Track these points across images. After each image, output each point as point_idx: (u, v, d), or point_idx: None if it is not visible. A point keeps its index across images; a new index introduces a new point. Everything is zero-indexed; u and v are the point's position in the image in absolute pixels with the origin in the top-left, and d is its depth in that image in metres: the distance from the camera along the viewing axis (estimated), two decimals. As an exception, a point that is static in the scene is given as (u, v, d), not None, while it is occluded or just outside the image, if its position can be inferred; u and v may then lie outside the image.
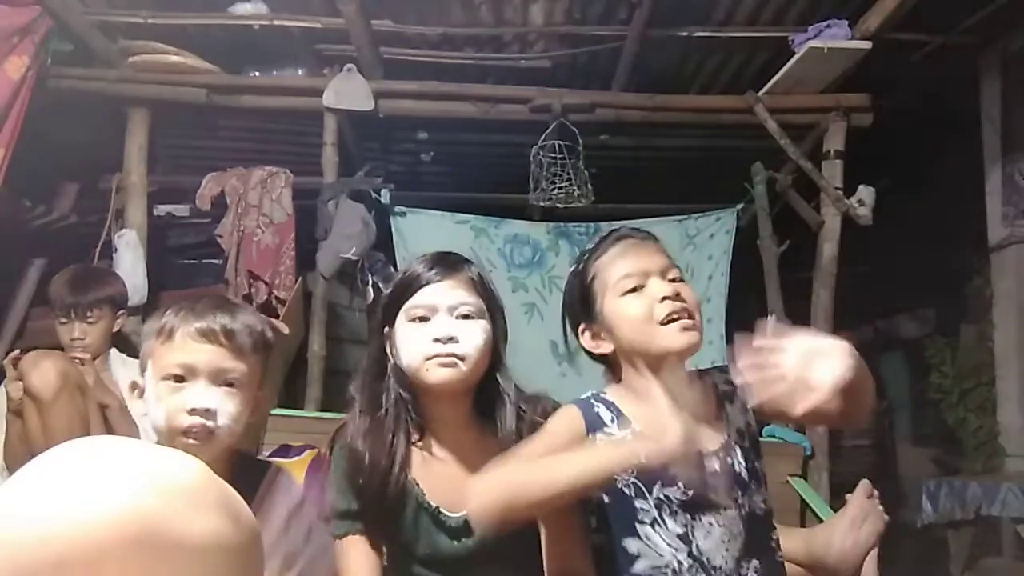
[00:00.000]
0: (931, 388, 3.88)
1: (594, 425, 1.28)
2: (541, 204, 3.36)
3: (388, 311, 1.36)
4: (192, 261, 4.08)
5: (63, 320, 2.33)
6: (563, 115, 3.28)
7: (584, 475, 1.12)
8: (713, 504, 1.25)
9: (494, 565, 1.34)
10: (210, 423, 1.19)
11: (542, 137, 3.28)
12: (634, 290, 1.28)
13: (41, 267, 3.37)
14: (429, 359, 1.29)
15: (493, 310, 1.37)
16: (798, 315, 3.37)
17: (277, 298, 3.22)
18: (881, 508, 1.62)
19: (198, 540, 0.46)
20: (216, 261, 3.54)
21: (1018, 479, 3.12)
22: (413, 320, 1.32)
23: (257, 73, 3.36)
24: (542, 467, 1.16)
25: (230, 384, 1.21)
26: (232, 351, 1.22)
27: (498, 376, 1.37)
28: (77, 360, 2.20)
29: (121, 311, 2.46)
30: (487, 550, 1.31)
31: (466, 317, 1.32)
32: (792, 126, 3.33)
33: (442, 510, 1.32)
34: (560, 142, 3.27)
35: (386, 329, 1.36)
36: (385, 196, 3.42)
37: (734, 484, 1.27)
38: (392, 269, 3.47)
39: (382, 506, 1.31)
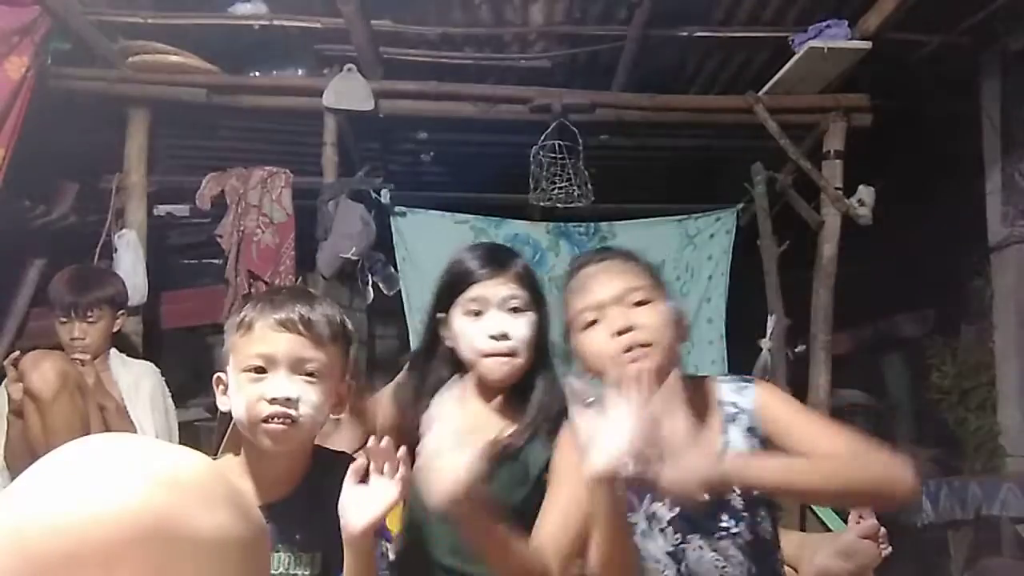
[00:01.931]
0: (931, 388, 3.88)
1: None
2: (541, 204, 3.36)
3: (441, 298, 1.46)
4: (192, 261, 4.08)
5: (63, 320, 2.33)
6: (563, 115, 3.28)
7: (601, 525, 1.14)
8: (704, 528, 1.25)
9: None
10: (292, 412, 1.19)
11: (542, 137, 3.28)
12: (593, 323, 1.28)
13: (41, 267, 3.37)
14: (486, 356, 1.39)
15: (539, 302, 1.45)
16: (798, 315, 3.38)
17: (277, 298, 3.22)
18: (883, 546, 1.62)
19: (208, 535, 0.47)
20: (216, 261, 3.54)
21: (1018, 479, 3.12)
22: (468, 314, 1.41)
23: (257, 73, 3.36)
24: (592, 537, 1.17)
25: (310, 374, 1.22)
26: (311, 340, 1.22)
27: (537, 364, 1.44)
28: (77, 360, 2.20)
29: (121, 311, 2.46)
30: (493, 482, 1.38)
31: (516, 311, 1.41)
32: (792, 126, 3.33)
33: None
34: (560, 142, 3.27)
35: (439, 315, 1.46)
36: (385, 196, 3.42)
37: (726, 511, 1.25)
38: (392, 269, 3.47)
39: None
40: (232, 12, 3.09)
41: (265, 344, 1.20)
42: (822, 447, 1.19)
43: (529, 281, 1.45)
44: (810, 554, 1.61)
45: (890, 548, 1.65)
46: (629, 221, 3.70)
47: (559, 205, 3.33)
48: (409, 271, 3.52)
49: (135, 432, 2.19)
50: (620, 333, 1.24)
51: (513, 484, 1.37)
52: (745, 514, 1.25)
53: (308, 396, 1.20)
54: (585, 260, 1.36)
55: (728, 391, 1.32)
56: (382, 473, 1.17)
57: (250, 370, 1.20)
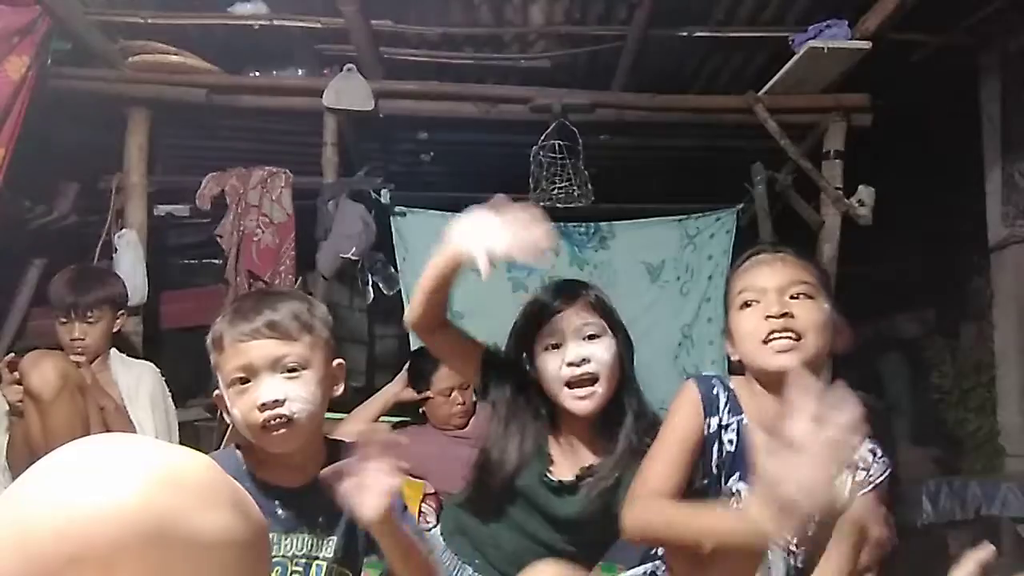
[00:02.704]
0: (931, 388, 3.88)
1: (710, 405, 1.34)
2: (541, 204, 3.36)
3: (520, 339, 1.54)
4: (192, 261, 4.08)
5: (63, 320, 2.33)
6: (563, 115, 3.28)
7: (720, 539, 1.15)
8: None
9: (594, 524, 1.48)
10: (284, 411, 1.22)
11: (542, 137, 3.28)
12: (748, 305, 1.32)
13: (41, 267, 3.37)
14: (567, 386, 1.44)
15: (615, 327, 1.50)
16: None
17: (277, 298, 3.22)
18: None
19: (209, 536, 0.47)
20: (216, 261, 3.55)
21: (1018, 479, 3.12)
22: (547, 349, 1.47)
23: (257, 73, 3.35)
24: (689, 516, 1.21)
25: (291, 369, 1.24)
26: (281, 338, 1.25)
27: (623, 391, 1.50)
28: (77, 360, 2.20)
29: (121, 311, 2.46)
30: (575, 504, 1.47)
31: (592, 337, 1.46)
32: (792, 126, 3.33)
33: (558, 478, 1.48)
34: (560, 142, 3.27)
35: (524, 355, 1.54)
36: (385, 196, 3.42)
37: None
38: (392, 269, 3.47)
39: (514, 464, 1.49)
40: (232, 12, 3.09)
41: (239, 356, 1.24)
42: None
43: (602, 308, 1.50)
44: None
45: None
46: (629, 221, 3.70)
47: (559, 205, 3.33)
48: (409, 271, 3.52)
49: (135, 432, 2.19)
50: (769, 318, 1.27)
51: (602, 520, 1.43)
52: (810, 540, 1.28)
53: (295, 391, 1.24)
54: (759, 249, 1.40)
55: (867, 444, 1.34)
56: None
57: (235, 383, 1.24)
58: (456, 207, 3.63)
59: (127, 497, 0.45)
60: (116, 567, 0.43)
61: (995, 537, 3.15)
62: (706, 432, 1.33)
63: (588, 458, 1.50)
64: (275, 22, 3.07)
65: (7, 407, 2.08)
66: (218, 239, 3.34)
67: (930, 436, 3.90)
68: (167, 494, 0.46)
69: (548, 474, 1.48)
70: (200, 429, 3.21)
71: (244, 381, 1.23)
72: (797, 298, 1.30)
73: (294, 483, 1.29)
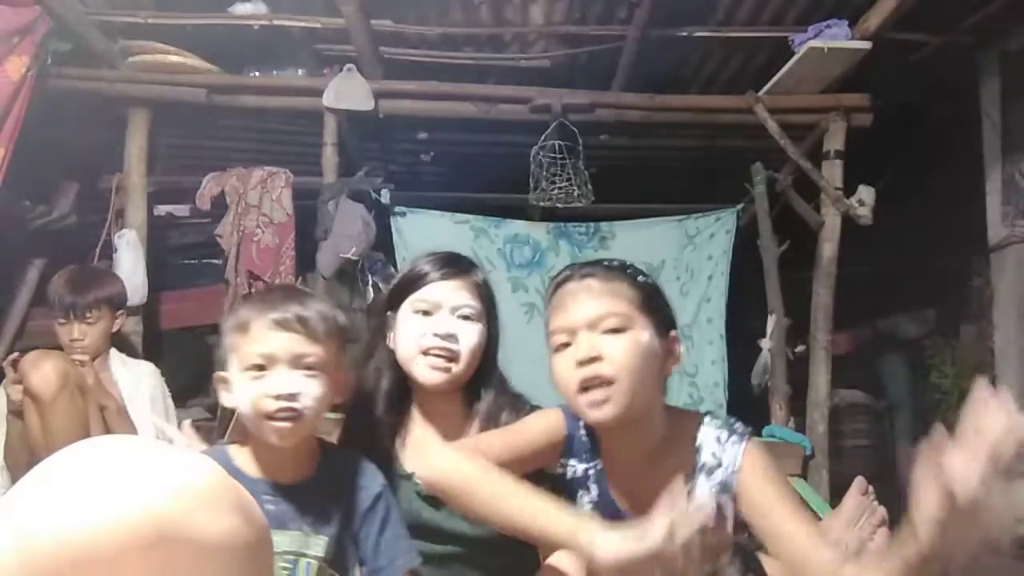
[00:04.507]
0: (931, 388, 3.88)
1: (571, 447, 1.27)
2: (541, 204, 3.36)
3: (393, 298, 1.45)
4: (192, 261, 4.08)
5: (62, 321, 2.33)
6: (563, 115, 3.28)
7: (528, 526, 1.07)
8: None
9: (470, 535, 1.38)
10: (296, 405, 1.24)
11: (542, 137, 3.28)
12: (565, 346, 1.20)
13: (41, 267, 3.37)
14: (424, 352, 1.37)
15: (491, 315, 1.45)
16: (798, 315, 3.37)
17: (277, 298, 3.22)
18: (876, 504, 1.62)
19: (213, 540, 0.47)
20: (216, 261, 3.54)
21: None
22: (417, 312, 1.40)
23: (257, 73, 3.35)
24: (500, 488, 1.11)
25: (309, 368, 1.26)
26: (308, 337, 1.26)
27: (488, 377, 1.45)
28: (77, 361, 2.20)
29: (120, 311, 2.46)
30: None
31: (466, 318, 1.40)
32: (792, 126, 3.33)
33: (419, 482, 1.38)
34: (560, 142, 3.27)
35: (388, 313, 1.45)
36: (385, 196, 3.42)
37: None
38: (392, 269, 3.47)
39: None
40: (232, 12, 3.09)
41: (264, 343, 1.25)
42: (785, 536, 1.13)
43: (485, 293, 1.45)
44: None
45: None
46: (629, 221, 3.70)
47: (559, 205, 3.33)
48: (409, 271, 3.52)
49: (135, 432, 2.19)
50: (580, 365, 1.16)
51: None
52: None
53: (309, 390, 1.25)
54: (564, 277, 1.26)
55: (712, 439, 1.23)
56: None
57: (252, 368, 1.25)
58: (456, 207, 3.67)
59: (130, 502, 0.45)
60: (119, 571, 0.43)
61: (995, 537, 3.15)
62: (568, 474, 1.27)
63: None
64: (275, 22, 3.07)
65: (6, 407, 2.08)
66: (218, 239, 3.34)
67: (930, 436, 3.91)
68: (170, 499, 0.46)
69: (417, 484, 1.38)
70: (200, 429, 3.21)
71: (261, 368, 1.25)
72: (610, 332, 1.17)
73: (285, 479, 1.30)
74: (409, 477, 1.41)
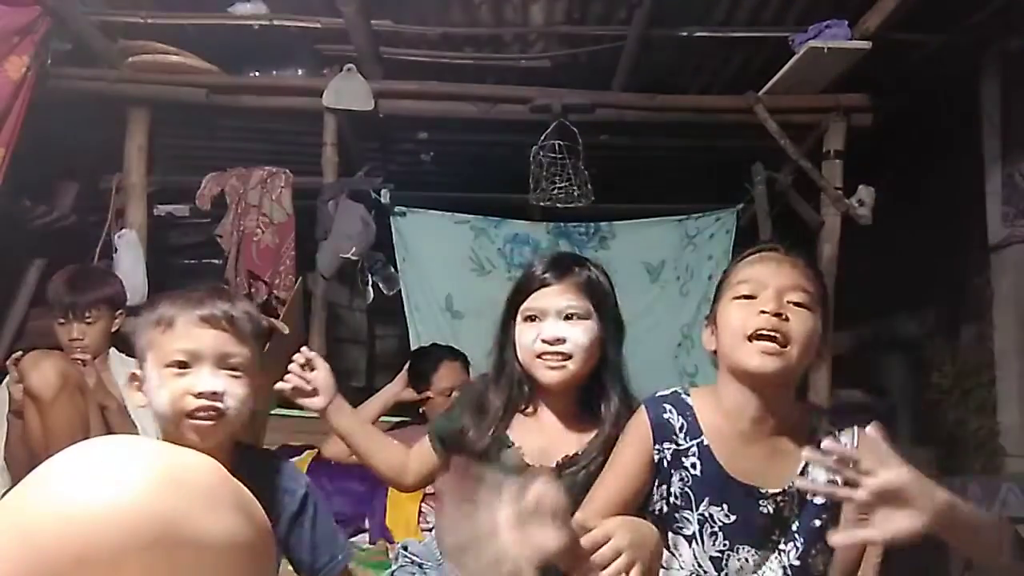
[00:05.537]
0: (931, 388, 3.87)
1: (662, 433, 1.32)
2: (541, 204, 3.36)
3: (509, 308, 1.51)
4: (192, 261, 4.08)
5: (61, 320, 2.33)
6: (563, 115, 3.28)
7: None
8: (756, 540, 1.27)
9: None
10: (219, 404, 1.21)
11: (542, 137, 3.28)
12: (744, 297, 1.27)
13: (41, 267, 3.37)
14: (538, 357, 1.43)
15: (602, 311, 1.47)
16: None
17: (277, 298, 3.22)
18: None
19: (215, 538, 0.47)
20: (216, 261, 3.55)
21: (1018, 479, 3.11)
22: (526, 320, 1.46)
23: (257, 73, 3.36)
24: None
25: (234, 369, 1.23)
26: (235, 336, 1.24)
27: (605, 374, 1.47)
28: (77, 361, 2.20)
29: (120, 311, 2.45)
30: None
31: (574, 318, 1.44)
32: (792, 126, 3.33)
33: (524, 457, 1.44)
34: (560, 142, 3.27)
35: (509, 322, 1.52)
36: (385, 196, 3.43)
37: (777, 530, 1.27)
38: (392, 269, 3.47)
39: (469, 448, 1.46)
40: (232, 12, 3.09)
41: (189, 340, 1.22)
42: None
43: (590, 290, 1.47)
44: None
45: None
46: (629, 221, 3.70)
47: (559, 205, 3.33)
48: (409, 271, 3.52)
49: (137, 432, 2.19)
50: (763, 314, 1.23)
51: (579, 498, 1.38)
52: (798, 537, 1.26)
53: (233, 390, 1.23)
54: (771, 246, 1.35)
55: (826, 423, 1.31)
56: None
57: (173, 365, 1.21)
58: (456, 207, 3.67)
59: (132, 498, 0.45)
60: (121, 568, 0.44)
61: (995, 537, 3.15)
62: (658, 458, 1.31)
63: (561, 440, 1.46)
64: (275, 22, 3.08)
65: (7, 407, 2.08)
66: (218, 239, 3.34)
67: (930, 436, 3.90)
68: (172, 495, 0.46)
69: (522, 458, 1.45)
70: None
71: (183, 365, 1.21)
72: (795, 304, 1.25)
73: None
74: (516, 449, 1.45)
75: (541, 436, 1.46)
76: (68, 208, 3.35)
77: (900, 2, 2.81)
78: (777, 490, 1.26)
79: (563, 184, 3.28)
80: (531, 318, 1.45)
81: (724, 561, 1.27)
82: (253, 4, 3.08)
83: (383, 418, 2.78)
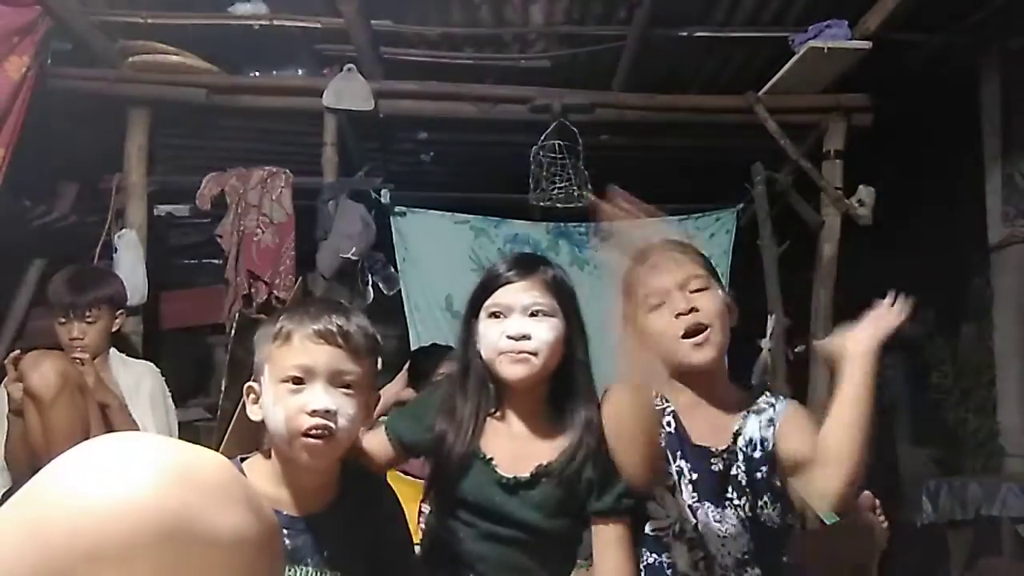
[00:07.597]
0: (931, 388, 3.88)
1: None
2: (541, 204, 3.36)
3: (472, 305, 1.50)
4: (192, 261, 4.09)
5: (62, 320, 2.33)
6: (563, 115, 3.28)
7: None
8: (712, 496, 1.39)
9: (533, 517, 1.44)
10: (331, 423, 1.18)
11: (542, 137, 3.28)
12: (656, 307, 1.41)
13: (41, 267, 3.37)
14: (502, 354, 1.42)
15: (567, 310, 1.47)
16: (798, 315, 3.37)
17: (277, 298, 3.22)
18: (883, 518, 1.61)
19: (225, 534, 0.47)
20: (216, 261, 3.55)
21: (1018, 479, 3.12)
22: (491, 316, 1.45)
23: (257, 73, 3.36)
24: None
25: (347, 386, 1.21)
26: (349, 353, 1.22)
27: (572, 375, 1.47)
28: (77, 360, 2.20)
29: (120, 311, 2.46)
30: (534, 504, 1.42)
31: (539, 315, 1.43)
32: (792, 126, 3.34)
33: (497, 468, 1.43)
34: (560, 142, 3.28)
35: (471, 320, 1.50)
36: (385, 196, 3.42)
37: (730, 487, 1.40)
38: (392, 269, 3.47)
39: (443, 460, 1.45)
40: (232, 12, 3.09)
41: (305, 355, 1.20)
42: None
43: (556, 288, 1.46)
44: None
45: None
46: (629, 221, 3.69)
47: (559, 205, 3.33)
48: (409, 271, 3.52)
49: (138, 430, 2.19)
50: (680, 315, 1.39)
51: (555, 508, 1.41)
52: (748, 491, 1.39)
53: (345, 408, 1.20)
54: (648, 249, 1.46)
55: (762, 396, 1.48)
56: None
57: (288, 380, 1.20)
58: (456, 207, 3.67)
59: (142, 494, 0.45)
60: (131, 564, 0.44)
61: (995, 537, 3.15)
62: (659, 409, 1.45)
63: (533, 446, 1.45)
64: (275, 22, 3.08)
65: (7, 407, 2.08)
66: (218, 239, 3.34)
67: (930, 436, 3.90)
68: (182, 491, 0.46)
69: (495, 469, 1.43)
70: (200, 429, 3.21)
71: (298, 381, 1.19)
72: (697, 291, 1.42)
73: (301, 510, 1.24)
74: (488, 461, 1.43)
75: (512, 442, 1.45)
76: (68, 208, 3.35)
77: (900, 2, 2.81)
78: (724, 447, 1.40)
79: (563, 184, 3.28)
80: (496, 315, 1.44)
81: (697, 511, 1.39)
82: (253, 4, 3.08)
83: (383, 418, 2.78)
